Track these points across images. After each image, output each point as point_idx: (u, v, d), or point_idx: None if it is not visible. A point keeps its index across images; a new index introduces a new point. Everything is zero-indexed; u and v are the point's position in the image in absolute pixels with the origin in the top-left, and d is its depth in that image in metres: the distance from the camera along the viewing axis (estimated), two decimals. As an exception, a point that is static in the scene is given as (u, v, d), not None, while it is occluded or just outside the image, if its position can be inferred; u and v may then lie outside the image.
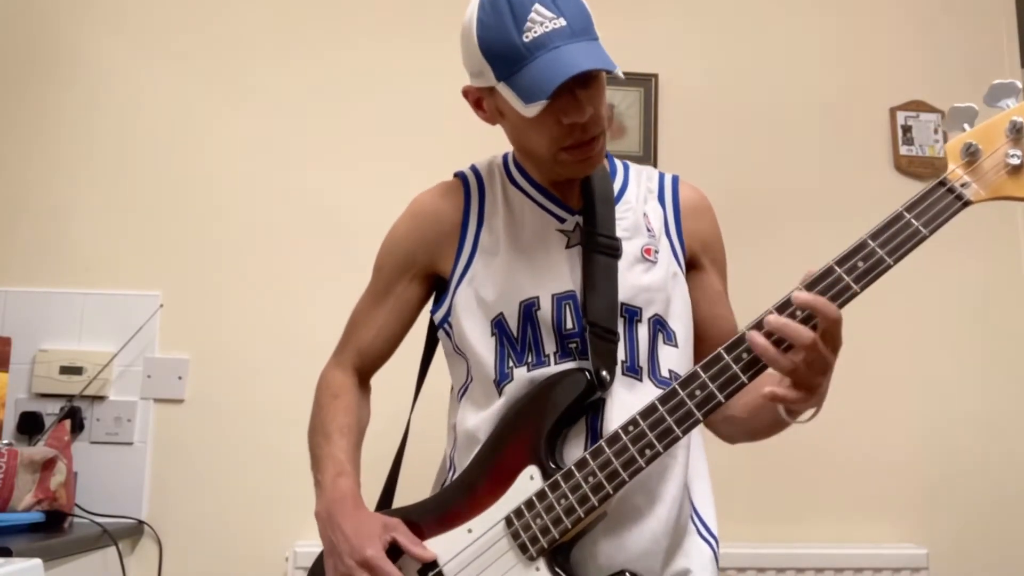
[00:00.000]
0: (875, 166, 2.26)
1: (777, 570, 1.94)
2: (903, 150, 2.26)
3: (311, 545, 1.87)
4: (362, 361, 1.25)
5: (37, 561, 1.34)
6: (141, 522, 1.92)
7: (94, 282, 2.02)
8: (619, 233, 1.14)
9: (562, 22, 1.01)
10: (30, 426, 1.91)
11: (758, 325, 0.93)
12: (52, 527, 1.71)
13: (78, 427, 1.93)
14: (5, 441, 1.76)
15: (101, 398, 1.96)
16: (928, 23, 2.34)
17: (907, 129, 2.27)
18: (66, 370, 1.95)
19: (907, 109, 2.28)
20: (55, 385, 1.94)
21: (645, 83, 2.22)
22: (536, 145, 1.10)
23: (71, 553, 1.62)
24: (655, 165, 2.19)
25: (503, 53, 1.02)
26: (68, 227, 2.05)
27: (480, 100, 1.13)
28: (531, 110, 1.02)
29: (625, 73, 2.23)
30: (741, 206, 2.11)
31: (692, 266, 1.21)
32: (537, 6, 1.01)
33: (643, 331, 1.11)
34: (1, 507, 1.64)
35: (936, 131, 2.27)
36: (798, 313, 0.92)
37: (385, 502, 1.22)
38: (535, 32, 1.00)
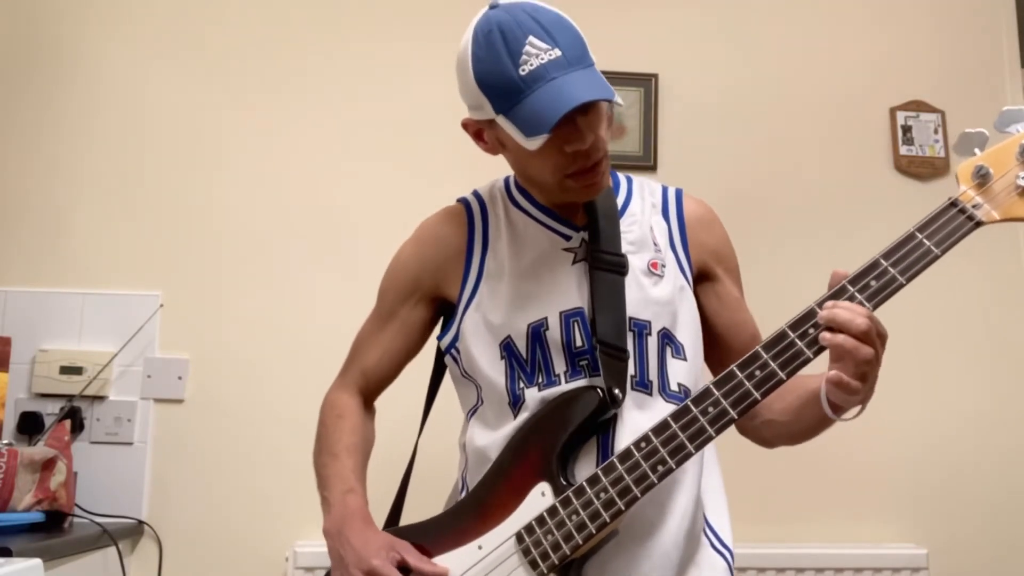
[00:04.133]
0: (875, 166, 2.26)
1: (777, 570, 1.95)
2: (903, 150, 2.26)
3: (311, 545, 1.87)
4: (367, 383, 1.26)
5: (37, 561, 1.34)
6: (141, 522, 1.92)
7: (94, 282, 2.02)
8: (625, 248, 1.14)
9: (557, 52, 1.01)
10: (30, 426, 1.91)
11: (809, 321, 0.94)
12: (52, 527, 1.71)
13: (78, 427, 1.93)
14: (5, 441, 1.76)
15: (101, 398, 1.96)
16: (928, 23, 2.34)
17: (907, 129, 2.27)
18: (66, 370, 1.95)
19: (907, 109, 2.28)
20: (55, 385, 1.94)
21: (645, 83, 2.22)
22: (540, 174, 1.10)
23: (71, 553, 1.62)
24: (655, 165, 2.19)
25: (500, 87, 1.02)
26: (68, 227, 2.04)
27: (480, 132, 1.13)
28: (533, 143, 1.01)
29: (625, 73, 2.26)
30: (741, 206, 2.11)
31: (706, 277, 1.21)
32: (531, 38, 1.01)
33: (652, 345, 1.11)
34: (1, 507, 1.64)
35: (936, 131, 2.27)
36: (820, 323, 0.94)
37: (392, 523, 1.22)
38: (531, 64, 1.00)
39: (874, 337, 0.91)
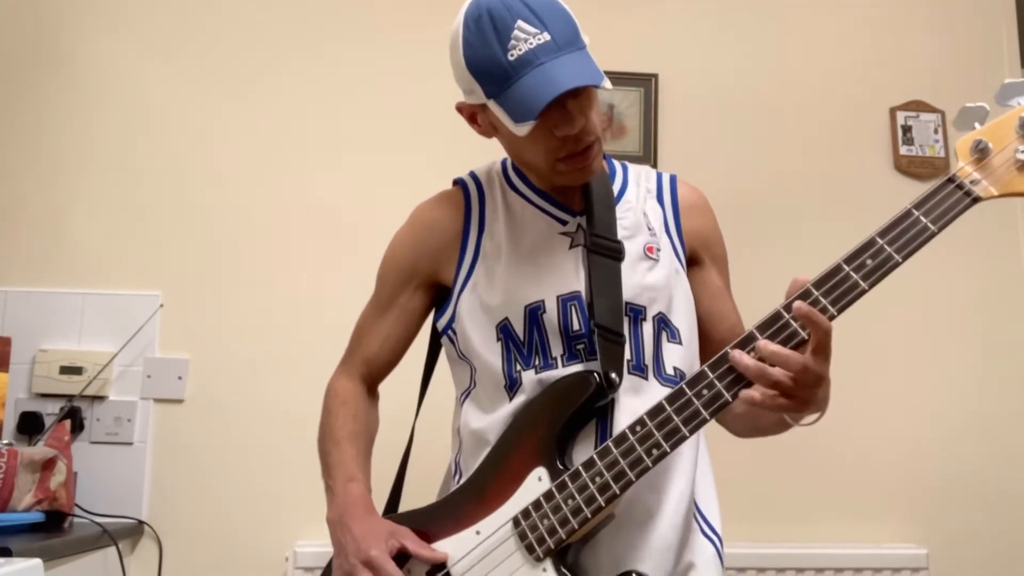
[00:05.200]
0: (875, 166, 2.26)
1: (777, 570, 1.94)
2: (903, 150, 2.26)
3: (311, 545, 1.87)
4: (369, 370, 1.26)
5: (37, 561, 1.34)
6: (141, 522, 1.92)
7: (94, 282, 2.02)
8: (620, 233, 1.15)
9: (546, 36, 1.01)
10: (30, 426, 1.91)
11: (743, 343, 0.94)
12: (52, 527, 1.71)
13: (78, 427, 1.93)
14: (5, 441, 1.76)
15: (101, 398, 1.96)
16: (928, 23, 2.35)
17: (907, 129, 2.27)
18: (66, 370, 1.95)
19: (907, 109, 2.28)
20: (55, 385, 1.94)
21: (645, 83, 2.22)
22: (532, 158, 1.11)
23: (71, 553, 1.62)
24: (655, 165, 2.19)
25: (489, 72, 1.02)
26: (68, 227, 2.04)
27: (474, 115, 1.13)
28: (521, 129, 1.02)
29: (625, 73, 2.26)
30: (741, 206, 2.11)
31: (693, 263, 1.21)
32: (520, 22, 1.01)
33: (648, 329, 1.11)
34: (1, 507, 1.64)
35: (936, 131, 2.27)
36: (791, 321, 0.92)
37: (391, 508, 1.23)
38: (520, 50, 1.00)
39: (789, 385, 0.90)
